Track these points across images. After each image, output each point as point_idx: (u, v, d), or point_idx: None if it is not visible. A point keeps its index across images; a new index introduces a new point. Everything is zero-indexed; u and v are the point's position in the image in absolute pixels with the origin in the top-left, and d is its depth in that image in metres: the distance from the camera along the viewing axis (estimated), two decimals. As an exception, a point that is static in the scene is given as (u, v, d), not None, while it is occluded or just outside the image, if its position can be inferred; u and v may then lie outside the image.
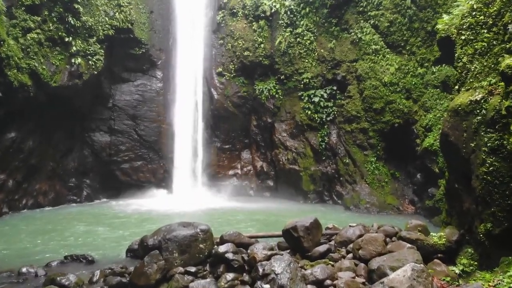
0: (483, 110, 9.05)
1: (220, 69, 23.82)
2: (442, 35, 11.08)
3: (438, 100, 17.52)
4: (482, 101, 9.17)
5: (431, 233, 10.15)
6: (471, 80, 9.91)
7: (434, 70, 18.16)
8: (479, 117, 9.16)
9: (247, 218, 17.32)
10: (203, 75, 23.89)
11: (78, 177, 21.43)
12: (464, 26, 10.31)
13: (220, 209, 19.78)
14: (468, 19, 10.20)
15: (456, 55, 10.52)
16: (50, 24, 18.42)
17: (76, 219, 16.92)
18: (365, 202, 18.98)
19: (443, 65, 17.75)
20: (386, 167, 20.12)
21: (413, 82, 18.96)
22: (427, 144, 16.76)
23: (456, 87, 10.52)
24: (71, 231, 14.62)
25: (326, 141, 21.52)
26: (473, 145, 9.38)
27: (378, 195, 19.30)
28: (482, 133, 9.02)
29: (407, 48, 19.48)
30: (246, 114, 24.20)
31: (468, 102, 9.55)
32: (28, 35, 17.54)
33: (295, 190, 22.08)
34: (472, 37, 10.04)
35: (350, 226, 10.23)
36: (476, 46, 9.84)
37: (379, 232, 10.01)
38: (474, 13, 10.07)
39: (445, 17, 11.12)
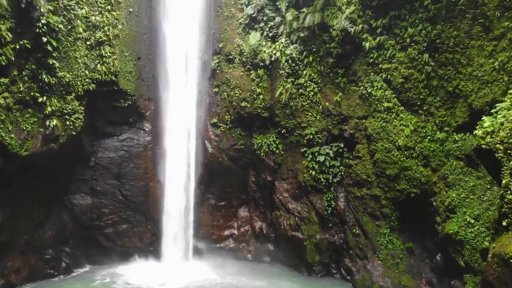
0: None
1: (215, 120, 21.62)
2: (483, 146, 8.86)
3: (462, 176, 15.26)
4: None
5: None
6: (527, 222, 7.69)
7: (457, 138, 15.90)
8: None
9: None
10: (196, 126, 21.67)
11: (56, 246, 19.17)
12: (516, 148, 8.10)
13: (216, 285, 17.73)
14: (522, 139, 7.99)
15: (503, 181, 8.31)
16: (21, 85, 16.18)
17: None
18: (378, 285, 16.74)
19: (468, 134, 15.51)
20: (400, 239, 17.88)
21: (432, 149, 16.71)
22: (451, 231, 14.50)
23: (504, 223, 8.29)
24: None
25: (333, 205, 19.28)
26: (534, 317, 7.18)
27: (392, 275, 17.06)
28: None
29: (424, 108, 17.22)
30: (243, 168, 21.97)
31: (526, 258, 7.34)
32: (-7, 100, 15.38)
33: (298, 260, 19.84)
34: (528, 165, 7.84)
35: None
36: (534, 180, 7.64)
37: None
38: (530, 133, 7.88)
39: (486, 122, 8.91)
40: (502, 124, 8.57)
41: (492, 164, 8.87)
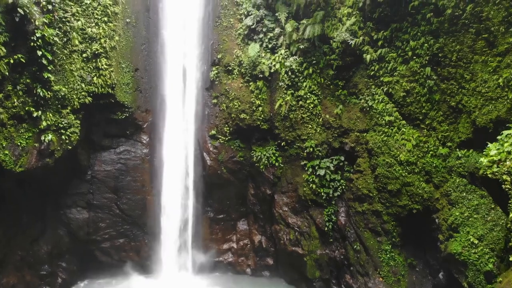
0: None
1: (213, 132, 21.27)
2: (489, 175, 8.52)
3: (465, 194, 14.92)
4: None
5: None
6: (537, 260, 7.36)
7: (460, 155, 15.54)
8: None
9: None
10: (195, 138, 21.35)
11: (52, 262, 18.88)
12: (525, 181, 7.77)
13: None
14: (531, 172, 7.66)
15: (511, 214, 7.97)
16: (15, 99, 15.89)
17: None
18: (379, 304, 16.43)
19: (471, 150, 15.17)
20: (402, 255, 17.53)
21: (434, 164, 16.37)
22: (454, 251, 14.16)
23: (511, 258, 7.96)
24: None
25: (333, 220, 18.93)
26: None
27: (394, 293, 16.73)
28: None
29: (427, 123, 16.87)
30: (242, 181, 21.63)
31: (536, 299, 7.00)
32: (-14, 117, 15.08)
33: (298, 276, 19.50)
34: (537, 199, 7.50)
35: None
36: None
37: None
38: (539, 166, 7.54)
39: (492, 150, 8.58)
40: (509, 153, 8.24)
41: (498, 194, 8.55)
